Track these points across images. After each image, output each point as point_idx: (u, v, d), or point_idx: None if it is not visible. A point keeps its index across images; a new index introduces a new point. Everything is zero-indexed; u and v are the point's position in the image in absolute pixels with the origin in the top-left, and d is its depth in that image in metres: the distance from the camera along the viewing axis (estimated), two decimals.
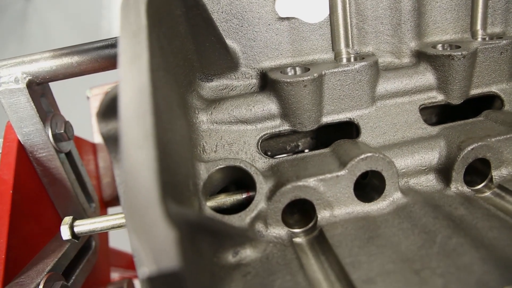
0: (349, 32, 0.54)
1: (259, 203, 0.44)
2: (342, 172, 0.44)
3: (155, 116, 0.28)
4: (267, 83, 0.51)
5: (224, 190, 0.49)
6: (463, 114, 0.59)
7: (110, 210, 0.80)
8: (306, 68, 0.51)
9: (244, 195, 0.46)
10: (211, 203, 0.45)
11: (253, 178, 0.45)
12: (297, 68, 0.52)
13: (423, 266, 0.37)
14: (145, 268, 0.23)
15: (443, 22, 0.57)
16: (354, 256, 0.39)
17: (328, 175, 0.44)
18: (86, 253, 0.59)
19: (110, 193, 0.76)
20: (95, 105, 0.85)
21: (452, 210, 0.44)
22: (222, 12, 0.50)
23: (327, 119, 0.51)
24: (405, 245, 0.40)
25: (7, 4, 3.03)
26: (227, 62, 0.51)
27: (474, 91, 0.56)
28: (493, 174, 0.49)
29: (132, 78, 0.29)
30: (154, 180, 0.25)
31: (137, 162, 0.26)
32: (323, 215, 0.45)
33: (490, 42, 0.54)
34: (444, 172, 0.49)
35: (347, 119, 0.52)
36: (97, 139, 0.81)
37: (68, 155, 0.56)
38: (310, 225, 0.45)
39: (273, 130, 0.50)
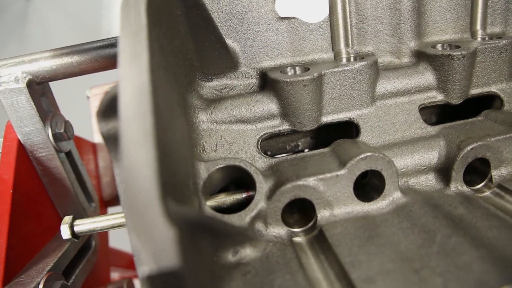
0: (349, 32, 0.54)
1: (259, 203, 0.44)
2: (341, 172, 0.44)
3: (155, 115, 0.28)
4: (267, 82, 0.51)
5: (224, 189, 0.49)
6: (462, 114, 0.59)
7: (110, 209, 0.80)
8: (306, 67, 0.51)
9: (244, 195, 0.46)
10: (211, 202, 0.45)
11: (253, 178, 0.45)
12: (297, 68, 0.52)
13: (423, 265, 0.37)
14: (145, 267, 0.23)
15: (442, 22, 0.57)
16: (353, 256, 0.39)
17: (328, 175, 0.44)
18: (86, 253, 0.59)
19: (110, 192, 0.76)
20: (95, 104, 0.85)
21: (451, 210, 0.44)
22: (222, 12, 0.50)
23: (326, 118, 0.52)
24: (405, 244, 0.40)
25: (7, 4, 3.03)
26: (227, 62, 0.51)
27: (474, 91, 0.56)
28: (492, 173, 0.49)
29: (132, 78, 0.29)
30: (154, 179, 0.25)
31: (137, 161, 0.26)
32: (322, 214, 0.45)
33: (489, 42, 0.54)
34: (443, 171, 0.49)
35: (347, 119, 0.52)
36: (97, 138, 0.81)
37: (68, 154, 0.56)
38: (310, 224, 0.46)
39: (273, 130, 0.50)
